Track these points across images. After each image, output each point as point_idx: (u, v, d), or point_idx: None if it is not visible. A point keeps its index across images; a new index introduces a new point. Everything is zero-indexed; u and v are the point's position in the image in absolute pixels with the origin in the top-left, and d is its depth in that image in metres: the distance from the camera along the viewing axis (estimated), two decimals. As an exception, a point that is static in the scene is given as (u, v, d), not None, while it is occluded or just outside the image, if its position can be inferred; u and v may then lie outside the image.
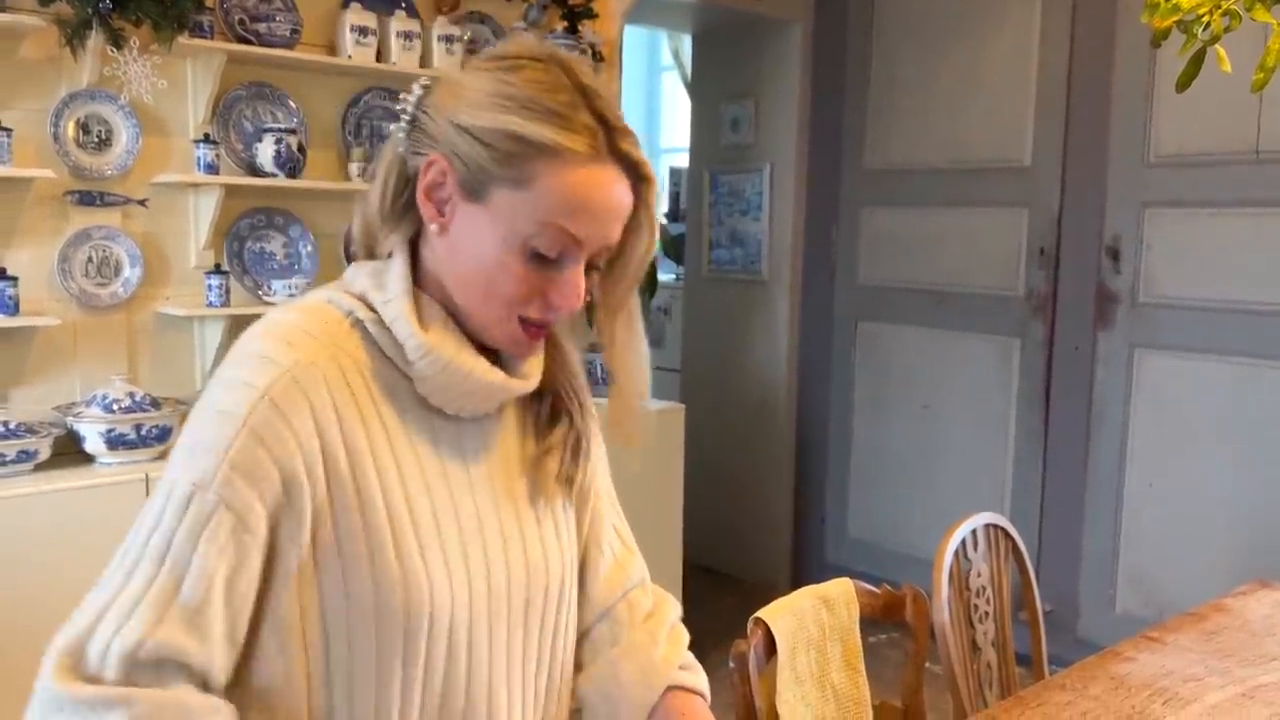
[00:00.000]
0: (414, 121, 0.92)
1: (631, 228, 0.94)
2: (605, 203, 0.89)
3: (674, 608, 1.15)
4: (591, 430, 1.07)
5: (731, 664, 1.46)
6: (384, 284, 0.93)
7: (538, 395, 1.03)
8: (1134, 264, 3.31)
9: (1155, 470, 3.31)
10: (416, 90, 0.93)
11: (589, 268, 0.93)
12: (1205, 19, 0.90)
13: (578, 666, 1.09)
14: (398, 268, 0.93)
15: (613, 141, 0.89)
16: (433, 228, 0.92)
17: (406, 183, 0.94)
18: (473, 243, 0.90)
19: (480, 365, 0.93)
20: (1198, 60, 1.00)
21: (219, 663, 0.84)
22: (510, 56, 0.90)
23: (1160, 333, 3.28)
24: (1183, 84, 1.05)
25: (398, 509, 0.90)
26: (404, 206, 0.95)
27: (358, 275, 0.95)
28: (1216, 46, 0.98)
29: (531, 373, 0.99)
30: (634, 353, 1.00)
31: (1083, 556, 3.48)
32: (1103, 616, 3.42)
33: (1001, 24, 3.58)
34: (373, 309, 0.92)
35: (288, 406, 0.85)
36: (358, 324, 0.92)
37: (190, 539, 0.83)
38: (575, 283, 0.91)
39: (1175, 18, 0.91)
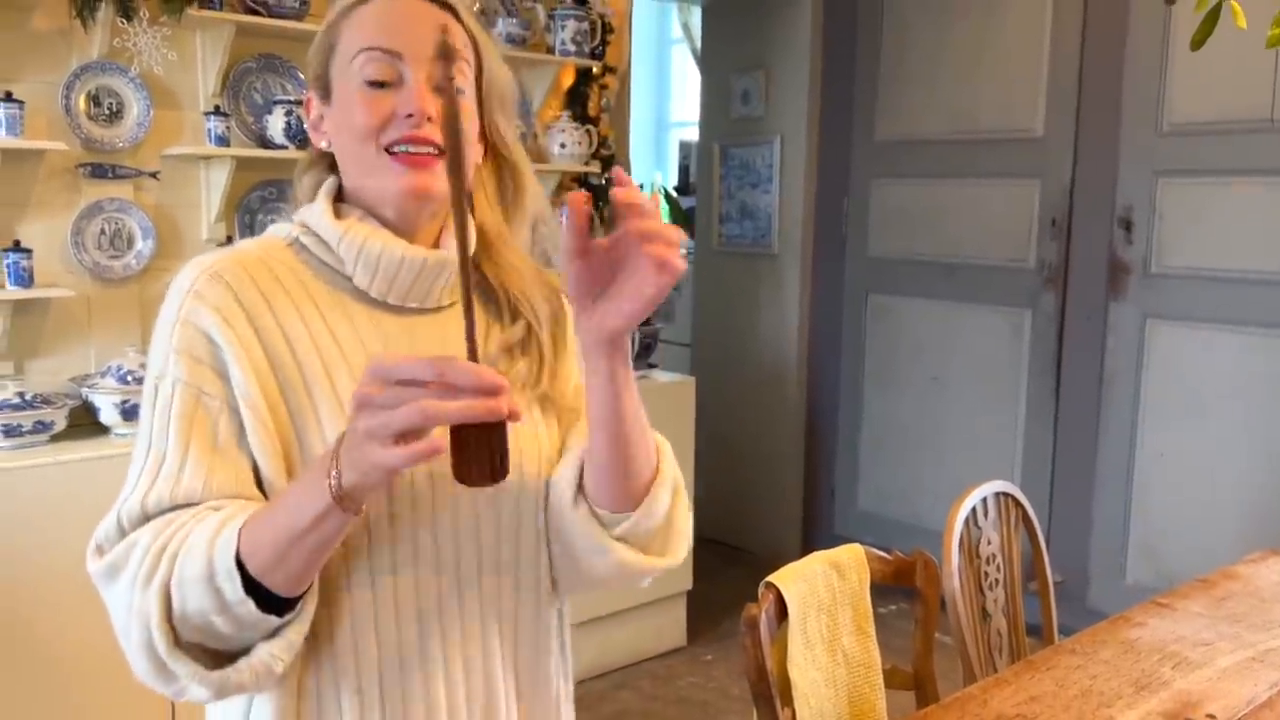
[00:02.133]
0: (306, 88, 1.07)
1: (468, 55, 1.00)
2: (402, 15, 0.97)
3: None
4: (559, 342, 1.07)
5: (743, 628, 1.47)
6: (313, 204, 1.03)
7: (493, 300, 1.06)
8: (1146, 234, 3.30)
9: (1166, 441, 3.30)
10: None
11: (442, 88, 0.97)
12: (1220, -28, 0.90)
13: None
14: (323, 189, 1.03)
15: None
16: (323, 145, 1.03)
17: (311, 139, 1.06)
18: (339, 123, 0.99)
19: (397, 241, 0.99)
20: (1213, 17, 0.99)
21: (220, 495, 0.90)
22: None
23: (1172, 303, 3.26)
24: (1197, 42, 1.05)
25: (341, 380, 0.95)
26: (317, 156, 1.06)
27: (298, 212, 1.05)
28: (1232, 1, 0.98)
29: (452, 247, 1.01)
30: (514, 154, 1.06)
31: (1093, 527, 3.49)
32: (1113, 586, 3.43)
33: (1014, -7, 3.55)
34: (307, 226, 1.02)
35: (209, 293, 0.94)
36: (295, 242, 1.01)
37: (163, 420, 0.92)
38: (415, 91, 0.96)
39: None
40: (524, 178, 1.08)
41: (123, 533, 0.90)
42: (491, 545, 1.00)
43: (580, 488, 0.99)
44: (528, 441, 1.02)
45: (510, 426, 0.85)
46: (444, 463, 0.83)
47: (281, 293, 0.97)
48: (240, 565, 0.83)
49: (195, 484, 0.90)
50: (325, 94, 1.01)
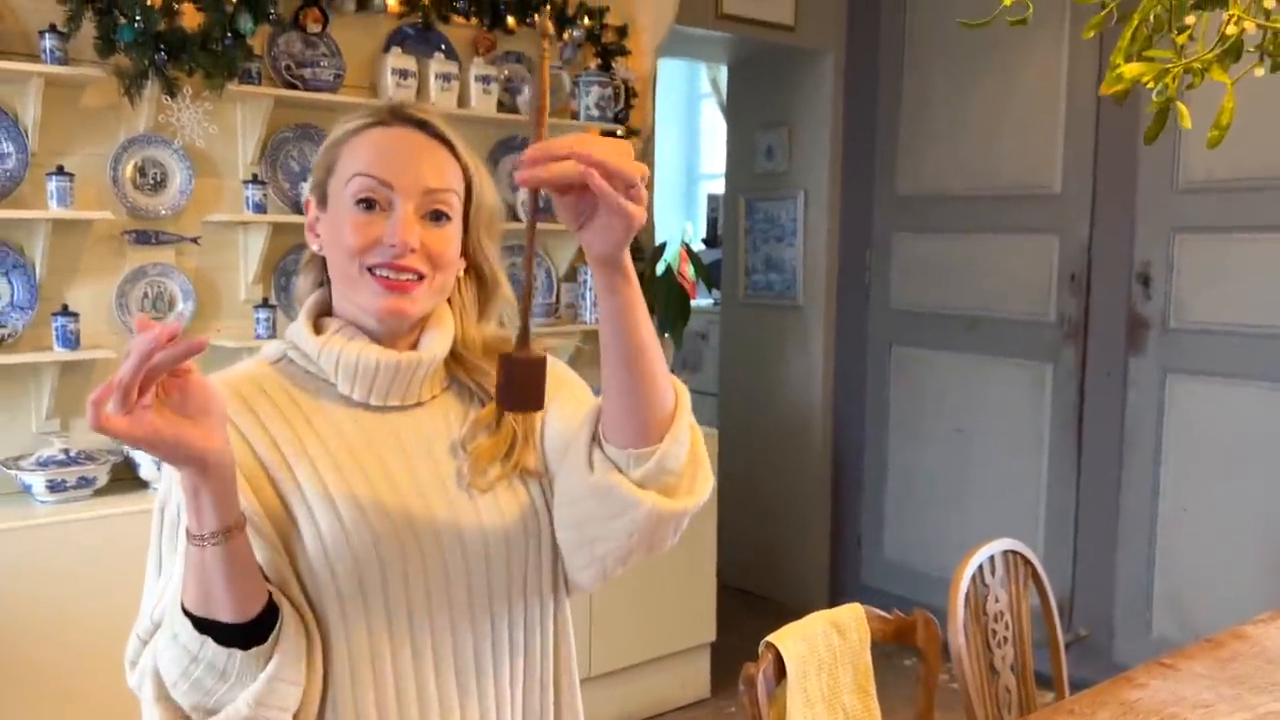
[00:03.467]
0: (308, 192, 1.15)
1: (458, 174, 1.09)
2: (395, 146, 1.06)
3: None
4: (525, 415, 1.12)
5: (741, 687, 1.52)
6: (297, 319, 1.13)
7: (467, 391, 1.14)
8: (1164, 289, 3.33)
9: (1189, 494, 3.31)
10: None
11: (439, 215, 1.07)
12: (1150, 84, 0.97)
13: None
14: (307, 304, 1.13)
15: (397, 111, 1.09)
16: (314, 248, 1.11)
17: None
18: (330, 234, 1.07)
19: (372, 347, 1.07)
20: (1161, 117, 1.06)
21: None
22: None
23: (1192, 357, 3.28)
24: (1149, 138, 1.11)
25: (333, 481, 1.03)
26: (313, 260, 1.15)
27: (289, 328, 1.15)
28: (1178, 104, 1.04)
29: (426, 348, 1.10)
30: (497, 282, 1.16)
31: (1117, 580, 3.48)
32: (1139, 641, 3.42)
33: (1031, 52, 3.62)
34: (293, 342, 1.11)
35: None
36: (282, 358, 1.12)
37: (169, 544, 1.03)
38: (401, 220, 1.04)
39: (1120, 86, 0.97)
40: (500, 289, 1.17)
41: (141, 643, 1.02)
42: (484, 607, 1.07)
43: (594, 447, 0.99)
44: (507, 506, 1.09)
45: (486, 496, 1.05)
46: (429, 517, 1.02)
47: (270, 406, 1.06)
48: (188, 613, 0.93)
49: None
50: (322, 202, 1.10)
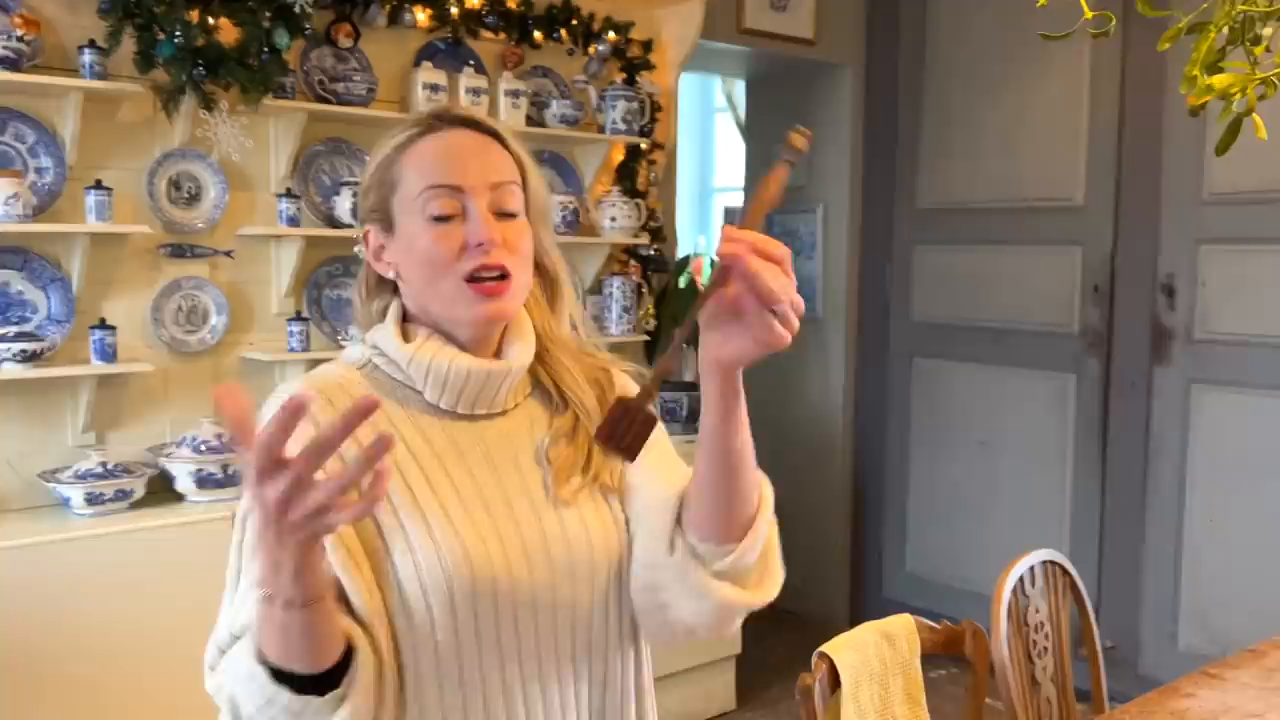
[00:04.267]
0: (360, 222, 1.14)
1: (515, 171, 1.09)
2: (454, 149, 1.06)
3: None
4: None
5: (797, 697, 1.52)
6: (382, 326, 1.11)
7: (549, 395, 1.15)
8: (1189, 300, 3.33)
9: (1215, 505, 3.31)
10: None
11: (507, 214, 1.06)
12: (1238, 94, 0.98)
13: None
14: (390, 312, 1.11)
15: (442, 115, 1.09)
16: (391, 275, 1.10)
17: (372, 270, 1.14)
18: (408, 256, 1.07)
19: (460, 356, 1.07)
20: (1234, 129, 1.06)
21: None
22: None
23: (1216, 368, 3.29)
24: (1221, 150, 1.12)
25: (423, 493, 1.03)
26: (376, 285, 1.14)
27: (369, 334, 1.13)
28: (1253, 116, 1.05)
29: (514, 356, 1.10)
30: (555, 263, 1.15)
31: (1143, 592, 3.48)
32: (1166, 653, 3.41)
33: (1051, 63, 3.64)
34: (379, 348, 1.10)
35: None
36: (367, 363, 1.11)
37: (250, 555, 0.99)
38: (482, 218, 1.04)
39: (1209, 97, 0.98)
40: (562, 285, 1.18)
41: (221, 653, 1.00)
42: (567, 627, 1.06)
43: (677, 531, 1.03)
44: (591, 522, 1.08)
45: (571, 509, 1.05)
46: (517, 531, 1.02)
47: None
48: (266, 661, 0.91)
49: None
50: (387, 226, 1.08)
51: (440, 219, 1.04)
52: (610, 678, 1.10)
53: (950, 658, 1.84)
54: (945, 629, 1.79)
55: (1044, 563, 2.13)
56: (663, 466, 1.12)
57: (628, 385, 1.19)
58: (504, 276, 1.05)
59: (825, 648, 1.60)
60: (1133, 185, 3.46)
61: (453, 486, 1.05)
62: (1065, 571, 2.16)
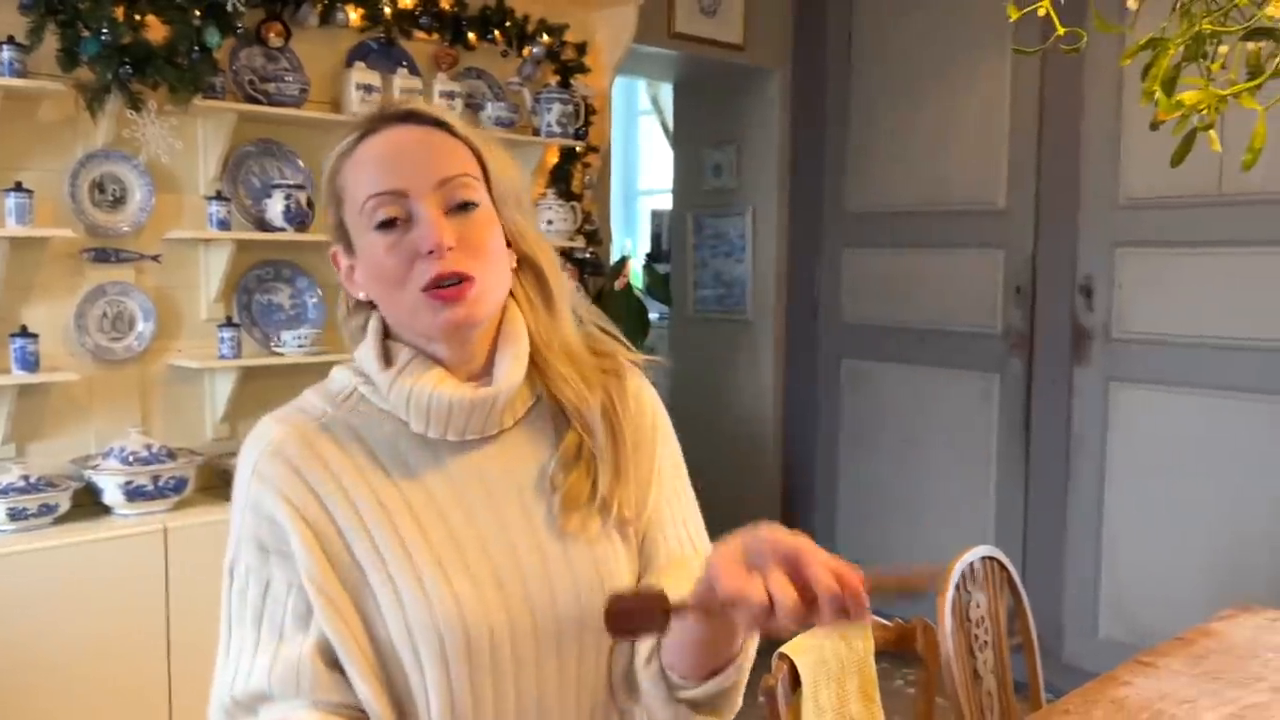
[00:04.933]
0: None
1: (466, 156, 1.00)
2: (387, 150, 0.98)
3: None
4: (639, 423, 1.07)
5: (761, 698, 1.54)
6: (365, 345, 1.03)
7: (550, 411, 1.04)
8: (1106, 301, 3.46)
9: (1133, 500, 3.43)
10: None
11: (465, 205, 0.98)
12: (1202, 109, 1.02)
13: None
14: (371, 327, 1.03)
15: (382, 114, 1.00)
16: (361, 296, 1.03)
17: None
18: (369, 273, 1.00)
19: (445, 384, 0.99)
20: (1189, 141, 1.11)
21: (288, 690, 0.94)
22: None
23: (1133, 367, 3.41)
24: (1177, 161, 1.17)
25: (414, 544, 0.96)
26: (355, 305, 1.07)
27: (356, 351, 1.06)
28: (1210, 131, 1.10)
29: (504, 378, 1.01)
30: (533, 244, 1.05)
31: (1066, 584, 3.59)
32: (1087, 642, 3.53)
33: (975, 71, 3.74)
34: (364, 373, 1.02)
35: (270, 473, 0.97)
36: (353, 393, 1.03)
37: (240, 608, 0.98)
38: (429, 224, 0.95)
39: (1178, 112, 1.02)
40: (547, 273, 1.06)
41: (225, 714, 0.97)
42: (572, 684, 1.00)
43: (656, 652, 0.98)
44: (604, 564, 1.01)
45: (580, 546, 0.99)
46: (518, 572, 0.97)
47: (344, 458, 0.98)
48: None
49: (261, 678, 0.94)
50: (348, 245, 1.02)
51: (386, 228, 0.96)
52: (595, 681, 1.01)
53: (900, 653, 1.88)
54: (897, 626, 1.83)
55: (983, 558, 2.19)
56: (676, 563, 1.06)
57: (639, 384, 1.10)
58: (463, 280, 0.96)
59: (785, 649, 1.61)
60: (1052, 190, 3.58)
61: (448, 531, 0.98)
62: (1003, 567, 2.23)
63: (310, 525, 0.95)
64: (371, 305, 1.04)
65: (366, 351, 1.02)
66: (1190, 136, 1.12)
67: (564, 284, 1.08)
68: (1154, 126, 1.16)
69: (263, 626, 0.96)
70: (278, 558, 0.96)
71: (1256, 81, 1.01)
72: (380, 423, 1.01)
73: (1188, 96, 1.00)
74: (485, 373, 1.02)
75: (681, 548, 1.09)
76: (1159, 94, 1.04)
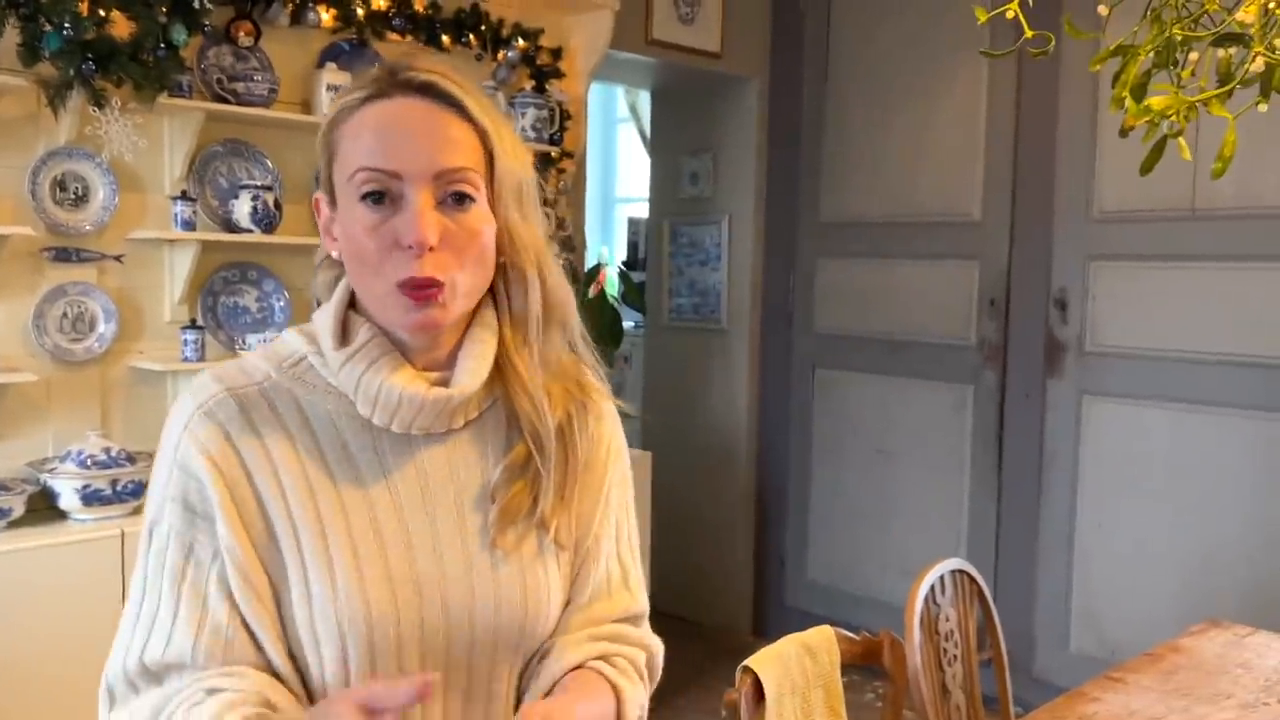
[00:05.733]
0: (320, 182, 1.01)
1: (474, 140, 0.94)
2: (392, 122, 0.91)
3: (645, 649, 1.07)
4: (592, 446, 1.04)
5: (724, 712, 1.51)
6: (323, 313, 0.99)
7: (507, 417, 1.01)
8: (1080, 314, 3.46)
9: (1104, 513, 3.43)
10: None
11: (462, 197, 0.93)
12: (1171, 116, 1.00)
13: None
14: (335, 296, 0.99)
15: (395, 77, 0.93)
16: (334, 254, 0.98)
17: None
18: (344, 238, 0.95)
19: (400, 375, 0.94)
20: (1159, 149, 1.10)
21: (212, 658, 0.91)
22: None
23: (1106, 380, 3.42)
24: (1146, 169, 1.15)
25: (335, 529, 0.93)
26: (329, 257, 1.02)
27: (315, 314, 1.02)
28: (1179, 139, 1.08)
29: (465, 380, 0.96)
30: (525, 249, 0.99)
31: (1037, 597, 3.59)
32: (1057, 656, 3.53)
33: (951, 83, 3.74)
34: (316, 342, 0.98)
35: (201, 433, 0.94)
36: (301, 360, 0.98)
37: (156, 571, 0.94)
38: (414, 213, 0.90)
39: (1147, 118, 1.01)
40: (530, 283, 0.98)
41: (130, 686, 0.93)
42: (480, 698, 0.99)
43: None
44: (530, 587, 0.98)
45: (510, 566, 0.97)
46: (439, 584, 0.94)
47: (277, 427, 0.95)
48: None
49: (185, 645, 0.91)
50: (332, 199, 0.97)
51: (371, 198, 0.91)
52: (497, 697, 1.00)
53: (861, 667, 1.86)
54: (864, 640, 1.80)
55: (953, 572, 2.18)
56: (624, 533, 1.08)
57: (604, 409, 1.07)
58: (435, 284, 0.91)
59: (749, 661, 1.59)
60: (1027, 202, 3.58)
61: (372, 524, 0.94)
62: (973, 580, 2.21)
63: (233, 495, 0.92)
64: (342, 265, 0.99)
65: (324, 320, 0.98)
66: (1160, 144, 1.11)
67: (559, 296, 1.01)
68: (1123, 133, 1.15)
69: (183, 592, 0.92)
70: (203, 521, 0.92)
71: (1226, 88, 1.00)
72: (324, 398, 0.97)
73: (1156, 102, 0.99)
74: (447, 364, 0.98)
75: (609, 581, 1.06)
76: (1128, 100, 1.03)
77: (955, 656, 2.13)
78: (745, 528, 4.38)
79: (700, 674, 3.71)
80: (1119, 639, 3.34)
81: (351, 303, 0.99)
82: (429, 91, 0.93)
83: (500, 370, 1.00)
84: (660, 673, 1.09)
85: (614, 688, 0.98)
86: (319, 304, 1.03)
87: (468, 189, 0.93)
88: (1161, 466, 3.30)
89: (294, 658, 0.94)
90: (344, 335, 0.97)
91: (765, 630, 4.22)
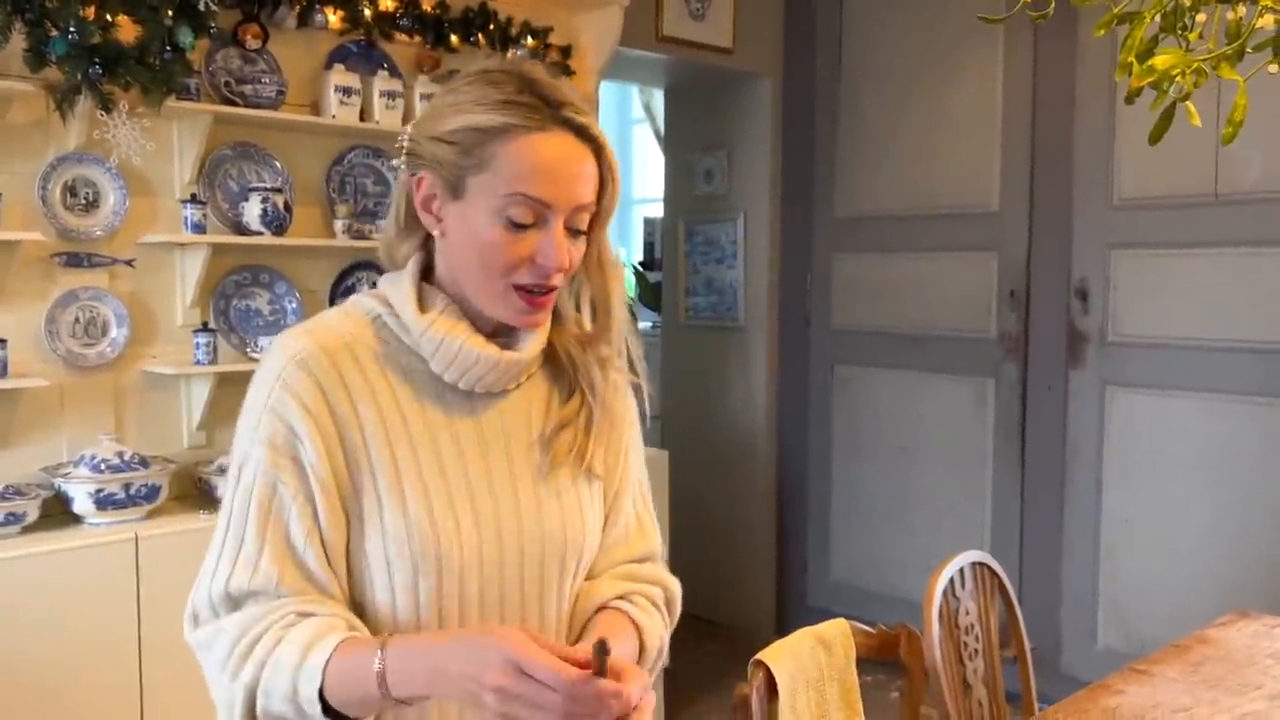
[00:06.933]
0: (408, 152, 1.08)
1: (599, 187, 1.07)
2: (558, 163, 1.02)
3: (663, 586, 1.20)
4: (616, 409, 1.17)
5: (735, 706, 1.48)
6: (399, 281, 1.10)
7: (558, 375, 1.15)
8: (1102, 304, 3.40)
9: (1130, 506, 3.37)
10: (409, 128, 1.10)
11: (577, 232, 1.06)
12: (1177, 78, 0.97)
13: None
14: (410, 267, 1.10)
15: (556, 112, 1.03)
16: (435, 232, 1.08)
17: (411, 202, 1.10)
18: (464, 233, 1.05)
19: (475, 339, 1.07)
20: (1169, 115, 1.06)
21: (296, 589, 1.01)
22: (468, 73, 1.08)
23: (1129, 370, 3.36)
24: (1155, 138, 1.12)
25: (408, 469, 1.04)
26: (413, 223, 1.11)
27: (384, 282, 1.12)
28: (1187, 103, 1.05)
29: (528, 347, 1.10)
30: (613, 279, 1.13)
31: (1063, 593, 3.53)
32: (1085, 652, 3.47)
33: (964, 73, 3.69)
34: (390, 305, 1.09)
35: (295, 383, 1.03)
36: (377, 318, 1.10)
37: (243, 506, 1.03)
38: (556, 243, 1.03)
39: (1151, 78, 0.97)
40: (611, 298, 1.13)
41: (213, 610, 1.02)
42: (534, 614, 1.11)
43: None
44: (571, 518, 1.12)
45: (555, 500, 1.09)
46: (490, 546, 1.06)
47: (360, 377, 1.06)
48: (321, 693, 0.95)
49: (271, 574, 1.01)
50: (454, 191, 1.04)
51: (518, 227, 1.02)
52: (560, 623, 1.15)
53: (882, 663, 1.82)
54: (880, 633, 1.77)
55: (973, 564, 2.13)
56: (630, 493, 1.21)
57: (626, 389, 1.20)
58: (551, 290, 1.06)
59: (762, 655, 1.56)
60: (1045, 191, 3.53)
61: (439, 463, 1.06)
62: (993, 573, 2.17)
63: (323, 438, 1.02)
64: (425, 235, 1.10)
65: (402, 290, 1.08)
66: (1170, 111, 1.07)
67: (621, 315, 1.15)
68: (1130, 99, 1.11)
69: (269, 525, 1.01)
70: (290, 464, 1.02)
71: (1233, 46, 0.96)
72: (399, 353, 1.08)
73: (1160, 61, 0.96)
74: (505, 332, 1.10)
75: (628, 531, 1.21)
76: (1134, 64, 1.00)
77: (976, 651, 2.09)
78: (766, 527, 4.34)
79: (723, 675, 3.67)
80: (1147, 634, 3.27)
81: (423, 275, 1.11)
82: (581, 133, 1.04)
83: (553, 328, 1.14)
84: (679, 608, 1.22)
85: (635, 624, 1.12)
86: (383, 265, 1.15)
87: (585, 224, 1.07)
88: (1187, 457, 3.23)
89: (359, 583, 1.05)
90: (421, 304, 1.08)
91: (788, 630, 4.14)
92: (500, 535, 1.07)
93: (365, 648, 0.96)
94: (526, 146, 1.01)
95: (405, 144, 1.08)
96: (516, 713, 0.88)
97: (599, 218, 1.09)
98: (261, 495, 1.02)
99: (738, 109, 4.32)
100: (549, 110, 1.02)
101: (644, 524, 1.23)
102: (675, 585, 1.22)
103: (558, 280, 1.05)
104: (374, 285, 1.14)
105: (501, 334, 1.11)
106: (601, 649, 0.88)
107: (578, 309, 1.15)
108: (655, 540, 1.24)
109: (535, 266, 1.03)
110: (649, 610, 1.16)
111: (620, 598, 1.15)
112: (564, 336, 1.14)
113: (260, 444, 1.03)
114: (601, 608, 1.14)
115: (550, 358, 1.15)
